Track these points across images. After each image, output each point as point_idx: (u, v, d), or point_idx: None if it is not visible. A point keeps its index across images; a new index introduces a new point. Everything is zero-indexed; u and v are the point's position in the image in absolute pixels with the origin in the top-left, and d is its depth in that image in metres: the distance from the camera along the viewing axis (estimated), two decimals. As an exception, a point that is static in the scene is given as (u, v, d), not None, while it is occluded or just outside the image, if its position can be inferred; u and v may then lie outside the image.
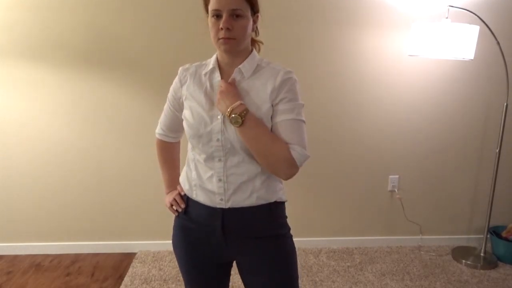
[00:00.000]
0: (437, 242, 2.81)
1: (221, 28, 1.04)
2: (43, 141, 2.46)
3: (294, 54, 2.44)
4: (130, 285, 2.26)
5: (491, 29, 2.27)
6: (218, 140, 1.10)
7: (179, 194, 1.25)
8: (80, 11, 2.29)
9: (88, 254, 2.61)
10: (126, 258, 2.57)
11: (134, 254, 2.62)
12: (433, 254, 2.68)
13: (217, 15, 1.04)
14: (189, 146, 1.20)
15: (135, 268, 2.44)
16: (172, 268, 2.44)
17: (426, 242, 2.80)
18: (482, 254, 2.59)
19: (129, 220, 2.61)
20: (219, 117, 1.10)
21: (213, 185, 1.14)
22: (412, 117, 2.60)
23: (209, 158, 1.13)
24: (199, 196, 1.17)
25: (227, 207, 1.14)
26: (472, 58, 2.22)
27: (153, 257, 2.56)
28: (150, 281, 2.30)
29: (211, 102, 1.12)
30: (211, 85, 1.14)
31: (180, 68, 1.21)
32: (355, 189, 2.69)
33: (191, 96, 1.15)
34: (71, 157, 2.49)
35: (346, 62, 2.47)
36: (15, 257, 2.57)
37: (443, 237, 2.82)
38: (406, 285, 2.31)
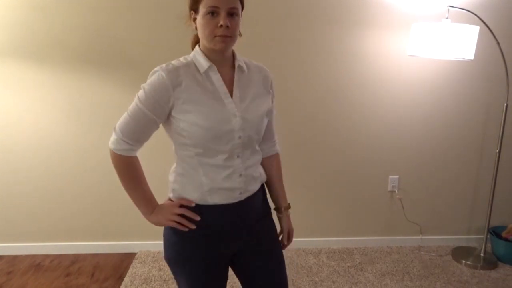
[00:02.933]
0: (437, 242, 2.81)
1: (220, 26, 1.03)
2: (43, 141, 2.46)
3: (293, 54, 2.44)
4: (130, 285, 2.26)
5: (491, 29, 2.27)
6: (240, 137, 1.12)
7: (187, 207, 1.14)
8: (79, 11, 2.29)
9: (88, 254, 2.61)
10: (126, 258, 2.57)
11: (134, 254, 2.62)
12: (433, 254, 2.68)
13: (213, 12, 1.03)
14: (188, 154, 1.12)
15: (135, 268, 2.44)
16: (172, 268, 2.44)
17: (426, 242, 2.80)
18: (482, 255, 2.59)
19: (129, 220, 2.61)
20: (237, 114, 1.11)
21: (233, 182, 1.14)
22: (412, 117, 2.60)
23: (229, 157, 1.12)
24: (214, 199, 1.14)
25: (243, 198, 1.18)
26: (472, 58, 2.22)
27: (153, 257, 2.56)
28: (150, 281, 2.30)
29: (220, 102, 1.10)
30: (212, 84, 1.11)
31: (162, 70, 1.08)
32: (355, 189, 2.69)
33: (195, 98, 1.07)
34: (71, 157, 2.49)
35: (346, 62, 2.47)
36: (15, 257, 2.57)
37: (443, 237, 2.82)
38: (406, 285, 2.31)
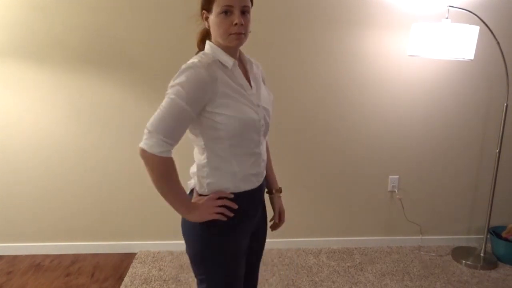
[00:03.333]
0: (437, 242, 2.81)
1: (235, 24, 1.09)
2: (43, 141, 2.46)
3: (293, 54, 2.44)
4: (130, 285, 2.26)
5: (491, 29, 2.27)
6: (263, 125, 1.21)
7: (225, 198, 1.18)
8: (79, 11, 2.29)
9: (88, 254, 2.61)
10: (126, 258, 2.57)
11: (134, 254, 2.62)
12: (433, 254, 2.68)
13: (227, 11, 1.09)
14: (221, 147, 1.15)
15: (135, 268, 2.44)
16: (172, 268, 2.44)
17: (426, 242, 2.80)
18: (482, 255, 2.59)
19: (129, 220, 2.62)
20: (259, 103, 1.20)
21: (258, 167, 1.24)
22: (412, 117, 2.60)
23: (256, 145, 1.21)
24: (246, 185, 1.22)
25: (261, 181, 1.28)
26: (472, 58, 2.22)
27: (153, 257, 2.56)
28: (150, 281, 2.30)
29: (246, 94, 1.18)
30: (236, 78, 1.17)
31: (198, 66, 1.08)
32: (355, 189, 2.69)
33: (229, 92, 1.12)
34: (71, 157, 2.49)
35: (346, 62, 2.48)
36: (15, 257, 2.57)
37: (443, 237, 2.82)
38: (406, 285, 2.31)
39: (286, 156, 2.60)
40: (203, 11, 1.16)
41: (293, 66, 2.46)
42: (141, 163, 1.09)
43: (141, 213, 2.61)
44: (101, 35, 2.34)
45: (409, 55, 2.40)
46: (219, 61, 1.15)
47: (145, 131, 1.07)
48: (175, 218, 2.75)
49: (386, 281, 2.36)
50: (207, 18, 1.15)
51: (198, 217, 1.16)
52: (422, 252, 2.70)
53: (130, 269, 2.43)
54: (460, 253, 2.65)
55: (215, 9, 1.10)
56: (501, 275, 2.45)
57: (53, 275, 2.37)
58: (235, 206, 1.19)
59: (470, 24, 2.16)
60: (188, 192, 1.26)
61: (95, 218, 2.60)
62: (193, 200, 1.21)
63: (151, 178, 1.10)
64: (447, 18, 2.24)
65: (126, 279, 2.32)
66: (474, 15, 2.26)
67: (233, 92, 1.13)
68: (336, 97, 2.53)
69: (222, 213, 1.17)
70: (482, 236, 2.64)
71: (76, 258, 2.57)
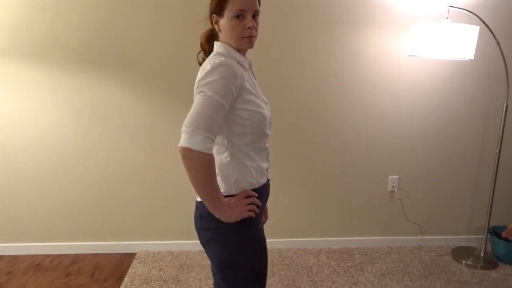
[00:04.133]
0: (437, 242, 2.81)
1: (248, 28, 1.14)
2: (43, 141, 2.46)
3: (293, 54, 2.44)
4: (130, 285, 2.27)
5: (491, 29, 2.27)
6: (271, 121, 1.29)
7: (251, 196, 1.22)
8: (79, 11, 2.29)
9: (88, 254, 2.61)
10: (126, 258, 2.57)
11: (134, 254, 2.62)
12: (433, 254, 2.68)
13: (239, 15, 1.13)
14: (244, 142, 1.19)
15: (135, 268, 2.44)
16: (172, 268, 2.44)
17: (426, 242, 2.80)
18: (482, 255, 2.59)
19: (129, 220, 2.62)
20: (266, 101, 1.27)
21: (268, 161, 1.31)
22: (412, 117, 2.60)
23: (267, 140, 1.28)
24: (263, 179, 1.28)
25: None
26: (472, 58, 2.22)
27: (153, 257, 2.56)
28: (150, 281, 2.30)
29: (258, 91, 1.24)
30: (250, 76, 1.25)
31: (227, 64, 1.10)
32: (355, 189, 2.69)
33: (251, 89, 1.18)
34: (71, 157, 2.49)
35: (346, 62, 2.48)
36: (15, 257, 2.57)
37: (443, 237, 2.82)
38: (406, 285, 2.31)
39: (286, 156, 2.60)
40: (213, 15, 1.19)
41: (293, 66, 2.46)
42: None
43: (141, 213, 2.61)
44: (101, 35, 2.34)
45: (409, 55, 2.40)
46: (236, 61, 1.19)
47: (186, 129, 1.05)
48: (175, 218, 2.75)
49: (386, 281, 2.36)
50: (217, 22, 1.19)
51: (232, 216, 1.16)
52: (422, 252, 2.70)
53: (130, 269, 2.43)
54: (460, 253, 2.65)
55: (228, 13, 1.13)
56: (501, 275, 2.45)
57: (53, 275, 2.37)
58: (260, 203, 1.24)
59: (470, 24, 2.16)
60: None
61: (95, 218, 2.60)
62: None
63: (195, 177, 1.06)
64: (447, 18, 2.24)
65: (126, 279, 2.33)
66: (474, 15, 2.26)
67: (254, 89, 1.20)
68: (336, 97, 2.53)
69: (252, 210, 1.22)
70: (482, 236, 2.64)
71: (76, 258, 2.57)
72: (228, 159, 1.19)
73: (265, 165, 1.28)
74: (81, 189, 2.55)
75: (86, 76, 2.39)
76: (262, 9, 1.19)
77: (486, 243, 2.60)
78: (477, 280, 2.38)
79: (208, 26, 1.26)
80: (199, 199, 1.24)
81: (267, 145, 1.28)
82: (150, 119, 2.44)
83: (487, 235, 2.60)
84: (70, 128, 2.46)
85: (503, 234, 2.65)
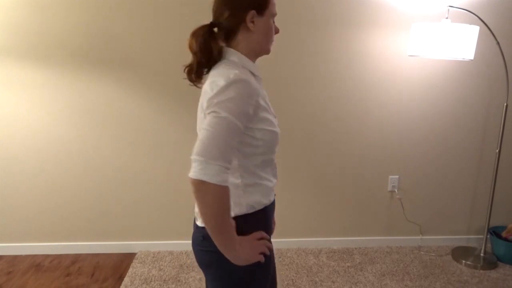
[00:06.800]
0: (437, 242, 2.81)
1: (276, 32, 1.12)
2: (43, 141, 2.46)
3: (294, 54, 2.44)
4: (130, 285, 2.27)
5: (491, 29, 2.27)
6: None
7: (264, 238, 1.11)
8: (79, 11, 2.29)
9: (88, 254, 2.61)
10: (126, 258, 2.57)
11: (134, 254, 2.62)
12: (433, 254, 2.68)
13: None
14: (254, 163, 1.08)
15: (135, 268, 2.44)
16: (172, 268, 2.44)
17: (426, 242, 2.80)
18: (482, 254, 2.59)
19: (129, 220, 2.62)
20: (274, 113, 1.18)
21: (276, 178, 1.19)
22: (412, 117, 2.60)
23: (275, 156, 1.17)
24: (272, 196, 1.17)
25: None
26: (472, 58, 2.22)
27: (153, 257, 2.56)
28: (150, 281, 2.30)
29: (268, 104, 1.13)
30: (262, 88, 1.12)
31: (244, 80, 0.97)
32: (355, 189, 2.70)
33: (266, 105, 1.05)
34: (71, 157, 2.49)
35: (346, 62, 2.48)
36: (15, 257, 2.57)
37: (443, 237, 2.82)
38: (406, 285, 2.31)
39: (286, 156, 2.60)
40: (252, 11, 1.02)
41: (293, 66, 2.46)
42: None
43: (141, 213, 2.61)
44: (101, 35, 2.34)
45: (409, 55, 2.40)
46: (249, 71, 1.06)
47: (198, 158, 0.90)
48: (175, 218, 2.75)
49: (386, 281, 2.36)
50: (252, 21, 1.04)
51: (242, 258, 1.02)
52: (422, 252, 2.70)
53: (130, 269, 2.43)
54: (460, 253, 2.65)
55: (268, 13, 1.06)
56: (501, 275, 2.45)
57: (53, 275, 2.38)
58: (272, 246, 1.13)
59: (470, 24, 2.16)
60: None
61: (95, 218, 2.60)
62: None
63: (208, 212, 0.93)
64: (447, 18, 2.24)
65: (126, 279, 2.33)
66: (474, 15, 2.26)
67: (265, 104, 1.05)
68: (336, 97, 2.53)
69: (264, 252, 1.09)
70: (482, 236, 2.64)
71: (76, 258, 2.57)
72: (238, 181, 1.06)
73: (274, 181, 1.17)
74: (81, 189, 2.55)
75: (86, 76, 2.39)
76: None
77: (486, 243, 2.60)
78: (477, 280, 2.38)
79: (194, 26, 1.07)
80: (200, 224, 1.10)
81: (275, 160, 1.17)
82: (150, 119, 2.44)
83: (487, 235, 2.60)
84: (70, 128, 2.46)
85: (503, 234, 2.65)
